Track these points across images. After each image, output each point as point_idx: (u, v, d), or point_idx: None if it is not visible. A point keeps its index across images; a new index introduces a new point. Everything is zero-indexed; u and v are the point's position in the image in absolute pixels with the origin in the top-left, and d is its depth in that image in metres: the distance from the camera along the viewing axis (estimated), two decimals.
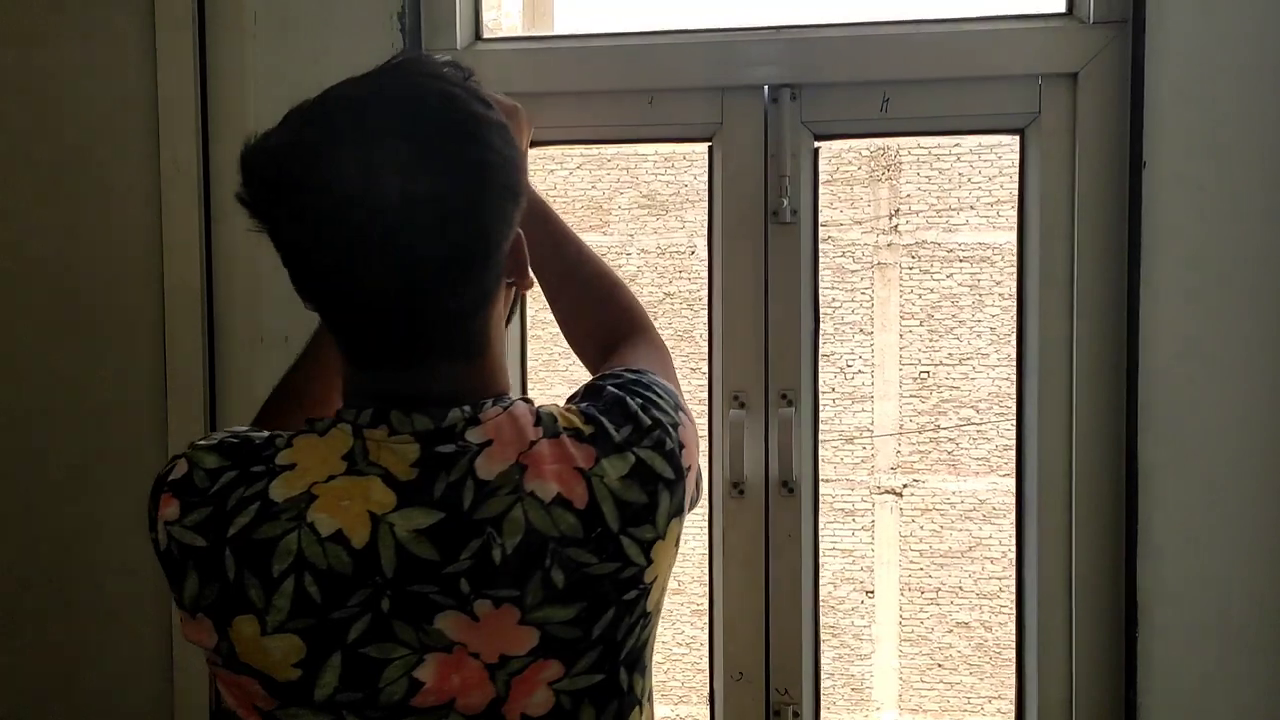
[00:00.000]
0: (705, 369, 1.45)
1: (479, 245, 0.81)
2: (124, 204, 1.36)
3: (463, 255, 0.80)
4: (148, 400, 1.37)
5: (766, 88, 1.35)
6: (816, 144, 1.38)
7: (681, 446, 0.88)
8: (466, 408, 0.84)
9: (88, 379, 1.39)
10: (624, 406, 0.88)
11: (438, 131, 0.80)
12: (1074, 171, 1.32)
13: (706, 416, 1.40)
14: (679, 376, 1.03)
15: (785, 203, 1.35)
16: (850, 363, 8.35)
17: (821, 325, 1.39)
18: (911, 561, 8.50)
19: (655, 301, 8.23)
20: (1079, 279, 1.31)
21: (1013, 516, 1.43)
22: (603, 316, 1.12)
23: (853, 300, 8.40)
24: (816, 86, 1.35)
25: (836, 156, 8.32)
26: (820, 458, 1.44)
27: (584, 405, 0.89)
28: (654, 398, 0.89)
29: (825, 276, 8.37)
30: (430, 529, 0.80)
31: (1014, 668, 1.42)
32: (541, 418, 0.86)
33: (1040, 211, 1.34)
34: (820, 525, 1.46)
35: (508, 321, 0.96)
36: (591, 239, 8.40)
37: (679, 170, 8.55)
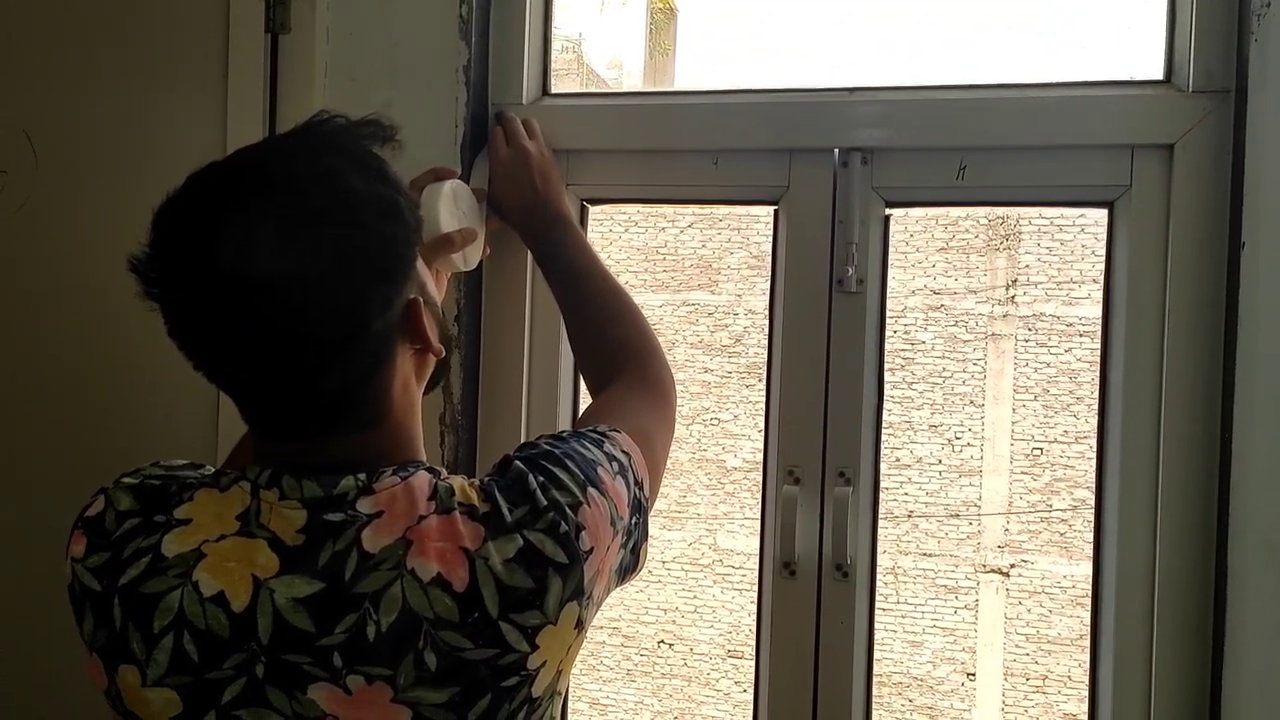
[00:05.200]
0: (761, 439, 1.39)
1: (343, 326, 0.80)
2: None
3: (327, 336, 0.79)
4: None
5: (837, 151, 1.30)
6: (888, 211, 1.31)
7: (580, 528, 0.84)
8: (362, 476, 0.83)
9: (149, 399, 1.41)
10: (524, 484, 0.84)
11: (307, 210, 0.79)
12: (1167, 250, 1.22)
13: (760, 490, 1.34)
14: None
15: (852, 271, 1.29)
16: (959, 435, 8.09)
17: (893, 394, 1.31)
18: (1017, 646, 8.12)
19: (760, 363, 8.14)
20: (1168, 365, 1.21)
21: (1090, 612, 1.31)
22: (598, 354, 1.14)
23: (964, 371, 8.17)
24: (889, 151, 1.29)
25: (953, 224, 8.17)
26: (880, 540, 1.36)
27: (487, 480, 0.86)
28: (559, 474, 0.85)
29: (936, 346, 8.17)
30: (309, 599, 0.80)
31: None
32: (439, 491, 0.84)
33: (1128, 291, 1.24)
34: (887, 603, 1.37)
35: (431, 386, 0.95)
36: (699, 298, 8.43)
37: None
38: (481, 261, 1.27)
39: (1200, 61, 1.21)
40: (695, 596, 8.50)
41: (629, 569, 0.93)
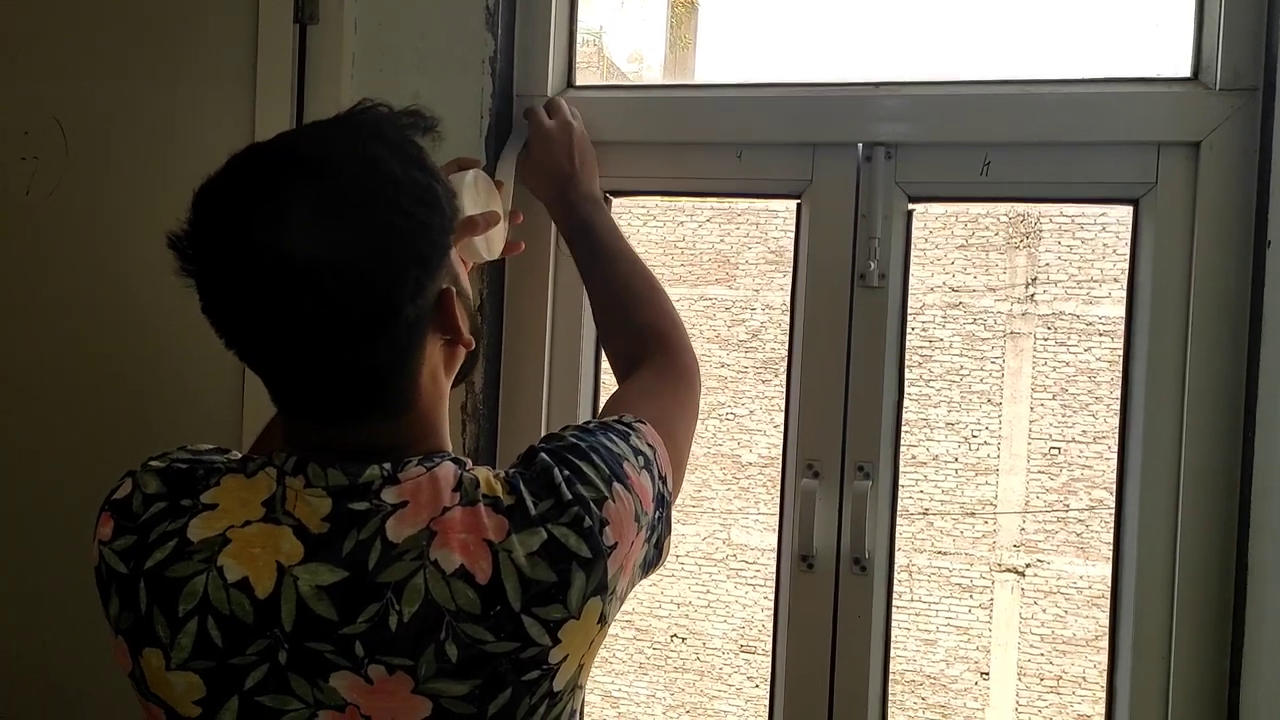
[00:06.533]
0: (780, 432, 1.39)
1: (376, 310, 0.80)
2: None
3: (361, 318, 0.79)
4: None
5: (860, 145, 1.30)
6: (911, 206, 1.31)
7: (605, 523, 0.83)
8: (387, 465, 0.83)
9: (173, 384, 1.43)
10: (549, 478, 0.84)
11: (345, 193, 0.79)
12: (1192, 247, 1.22)
13: (779, 483, 1.35)
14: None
15: (874, 266, 1.29)
16: (975, 433, 8.07)
17: (909, 392, 1.31)
18: (1032, 645, 8.10)
19: (777, 359, 8.14)
20: (1191, 365, 1.21)
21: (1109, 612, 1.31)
22: (624, 339, 1.13)
23: (982, 369, 8.14)
24: (913, 146, 1.29)
25: (973, 222, 8.13)
26: (897, 535, 1.36)
27: (512, 472, 0.86)
28: (584, 469, 0.85)
29: (954, 344, 8.15)
30: (332, 587, 0.80)
31: None
32: (463, 483, 0.84)
33: (1152, 289, 1.24)
34: (900, 601, 1.38)
35: (462, 378, 0.95)
36: (716, 292, 8.42)
37: None
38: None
39: (1228, 59, 1.21)
40: (709, 591, 8.51)
41: (652, 563, 0.93)
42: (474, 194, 1.17)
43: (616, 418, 0.95)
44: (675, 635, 8.54)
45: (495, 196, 1.24)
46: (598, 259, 1.20)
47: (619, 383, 1.10)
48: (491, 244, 1.21)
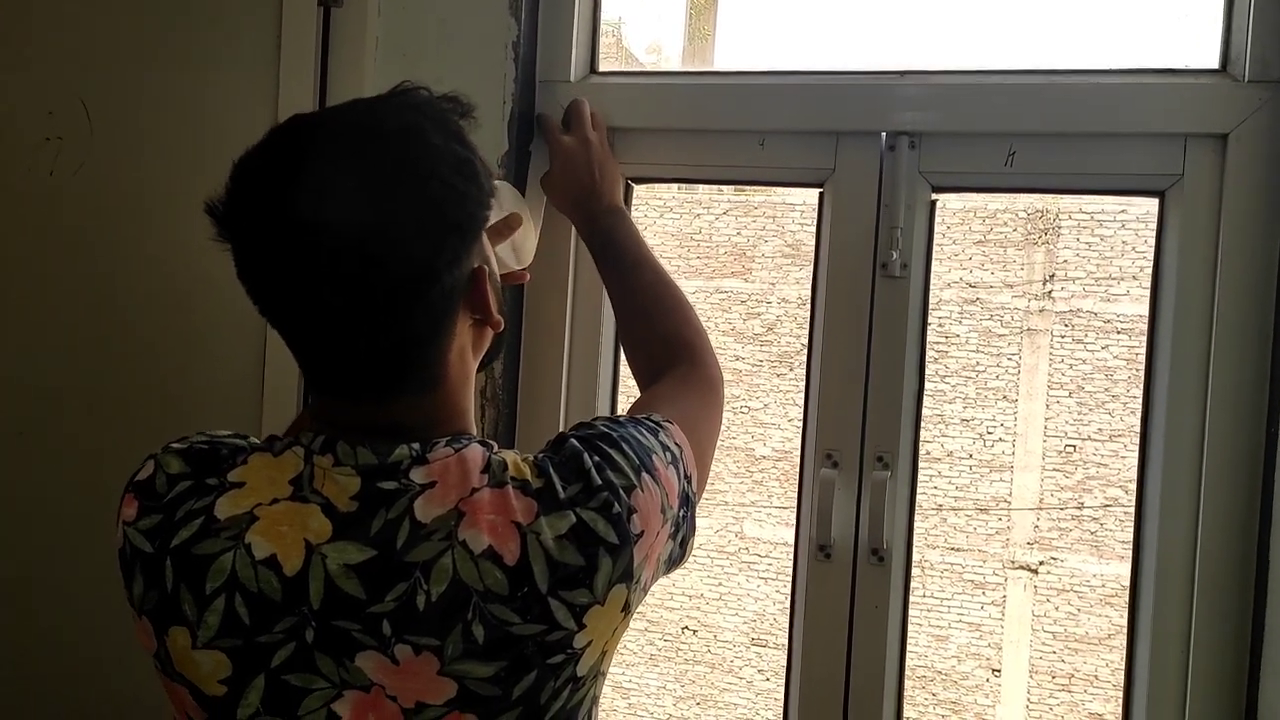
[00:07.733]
0: (794, 426, 1.39)
1: (412, 277, 0.80)
2: None
3: (396, 285, 0.80)
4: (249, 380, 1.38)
5: (884, 134, 1.29)
6: (934, 196, 1.31)
7: (632, 511, 0.83)
8: (415, 445, 0.83)
9: (194, 366, 1.43)
10: (579, 463, 0.84)
11: (386, 162, 0.80)
12: (1218, 240, 1.21)
13: (795, 474, 1.34)
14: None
15: (896, 255, 1.28)
16: (991, 429, 8.03)
17: (926, 386, 1.30)
18: (1044, 643, 8.07)
19: (792, 352, 8.12)
20: (1215, 359, 1.20)
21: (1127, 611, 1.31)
22: (649, 347, 1.13)
23: (998, 365, 8.10)
24: (937, 136, 1.28)
25: (991, 217, 8.08)
26: (916, 527, 1.35)
27: (540, 456, 0.86)
28: (614, 456, 0.85)
29: (971, 339, 8.11)
30: (360, 566, 0.80)
31: None
32: (491, 465, 0.84)
33: (1177, 283, 1.23)
34: (913, 597, 1.37)
35: (487, 362, 0.95)
36: (732, 285, 8.39)
37: None
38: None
39: (1256, 51, 1.20)
40: (720, 584, 8.50)
41: (676, 560, 0.93)
42: (497, 206, 1.16)
43: (645, 415, 0.95)
44: (686, 627, 8.54)
45: (522, 206, 1.23)
46: (621, 269, 1.21)
47: (642, 391, 1.10)
48: (520, 252, 1.20)
